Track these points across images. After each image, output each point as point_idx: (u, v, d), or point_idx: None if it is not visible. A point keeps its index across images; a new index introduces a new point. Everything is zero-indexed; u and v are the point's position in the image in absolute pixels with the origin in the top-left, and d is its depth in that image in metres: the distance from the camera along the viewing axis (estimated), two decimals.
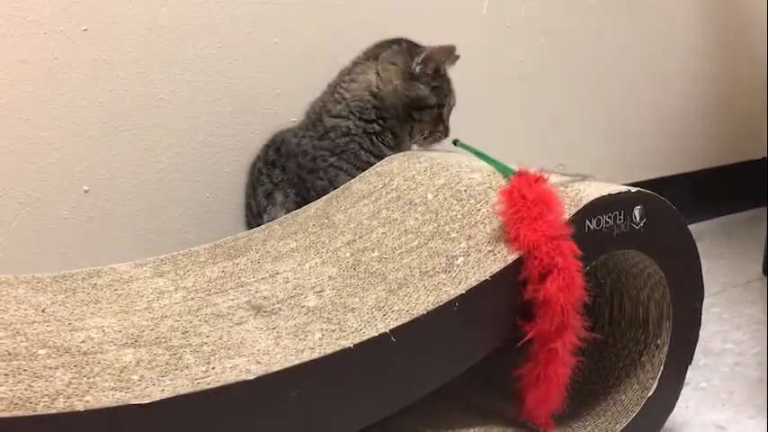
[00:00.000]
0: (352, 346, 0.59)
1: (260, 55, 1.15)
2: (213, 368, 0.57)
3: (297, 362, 0.57)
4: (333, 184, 0.97)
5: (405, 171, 0.92)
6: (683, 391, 0.89)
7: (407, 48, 1.02)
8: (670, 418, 0.89)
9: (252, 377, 0.54)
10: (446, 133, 1.04)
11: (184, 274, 0.77)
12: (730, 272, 1.45)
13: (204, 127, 1.12)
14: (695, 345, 0.88)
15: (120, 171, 1.05)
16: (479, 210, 0.78)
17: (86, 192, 1.03)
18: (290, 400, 0.57)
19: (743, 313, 1.28)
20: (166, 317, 0.67)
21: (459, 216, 0.79)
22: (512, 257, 0.69)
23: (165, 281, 0.75)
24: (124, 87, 1.04)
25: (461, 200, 0.81)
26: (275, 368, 0.56)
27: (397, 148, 1.02)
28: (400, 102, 1.00)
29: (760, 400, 0.99)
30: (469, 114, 1.36)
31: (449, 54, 1.02)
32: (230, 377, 0.55)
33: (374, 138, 1.01)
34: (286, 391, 0.56)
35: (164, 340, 0.62)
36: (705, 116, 1.76)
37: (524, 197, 0.71)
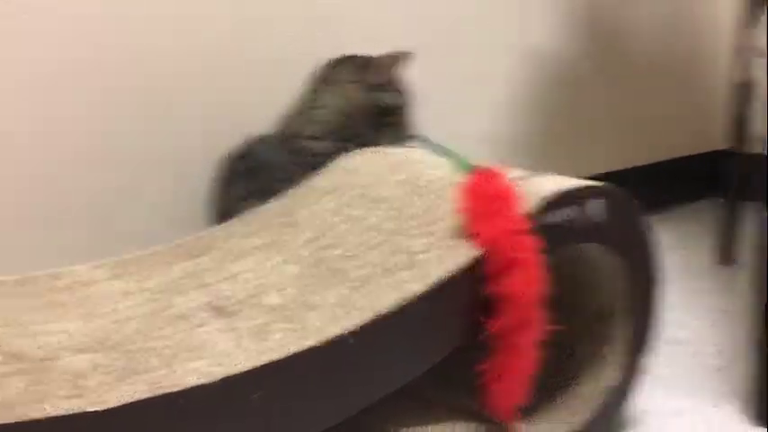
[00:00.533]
0: (314, 345, 0.59)
1: (220, 52, 1.14)
2: (174, 371, 0.56)
3: (258, 363, 0.57)
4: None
5: (368, 167, 0.91)
6: (642, 380, 0.91)
7: (360, 63, 1.06)
8: (631, 405, 0.90)
9: (212, 380, 0.54)
10: (410, 132, 1.06)
11: (148, 274, 0.75)
12: (686, 261, 1.48)
13: (167, 126, 1.10)
14: (654, 335, 0.90)
15: (76, 170, 1.03)
16: (440, 206, 0.78)
17: (41, 190, 1.01)
18: (252, 402, 0.56)
19: (699, 302, 1.31)
20: (131, 319, 0.66)
21: (420, 212, 0.79)
22: (473, 253, 0.69)
23: (127, 282, 0.74)
24: (78, 78, 1.02)
25: (422, 195, 0.81)
26: (236, 370, 0.55)
27: None
28: (371, 114, 1.04)
29: (718, 387, 1.02)
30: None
31: (397, 59, 1.05)
32: (190, 380, 0.54)
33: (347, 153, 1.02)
34: (247, 393, 0.56)
35: (124, 344, 0.61)
36: (660, 110, 1.79)
37: (483, 193, 0.71)
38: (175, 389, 0.53)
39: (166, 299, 0.69)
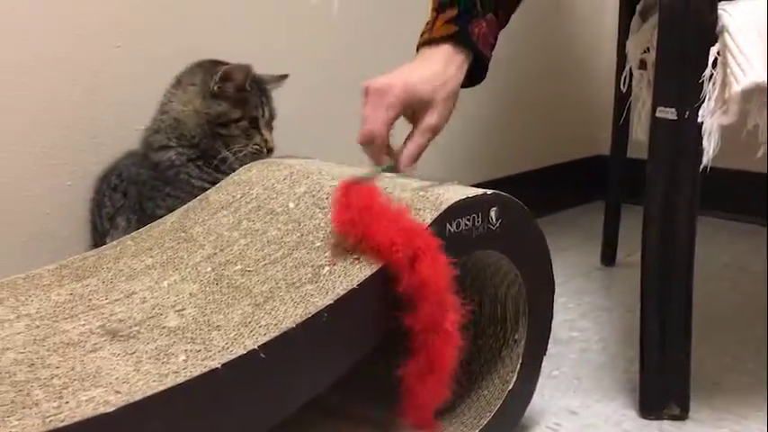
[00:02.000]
0: (219, 365, 0.57)
1: (98, 60, 1.08)
2: (66, 402, 0.52)
3: (160, 388, 0.54)
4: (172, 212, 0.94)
5: (264, 180, 0.89)
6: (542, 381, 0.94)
7: (208, 67, 1.05)
8: (528, 407, 0.93)
9: (111, 409, 0.51)
10: (267, 145, 1.07)
11: (26, 299, 0.70)
12: (572, 263, 1.55)
13: (40, 138, 1.04)
14: (549, 336, 0.93)
15: None
16: None
17: None
18: (156, 430, 0.53)
19: (585, 302, 1.37)
20: (8, 349, 0.61)
21: (322, 224, 0.78)
22: (377, 265, 0.69)
23: (3, 308, 0.69)
24: None
25: (324, 208, 0.80)
26: (137, 397, 0.53)
27: (228, 168, 1.02)
28: (203, 120, 1.03)
29: (606, 384, 1.06)
30: (321, 123, 1.36)
31: (247, 71, 1.04)
32: (87, 411, 0.51)
33: (199, 163, 1.03)
34: (150, 421, 0.53)
35: (7, 375, 0.57)
36: (548, 117, 1.87)
37: (352, 205, 0.70)
38: (71, 421, 0.50)
39: (53, 324, 0.65)
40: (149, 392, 0.53)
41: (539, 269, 0.88)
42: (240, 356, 0.58)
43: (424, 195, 0.77)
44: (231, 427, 0.58)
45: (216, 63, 1.06)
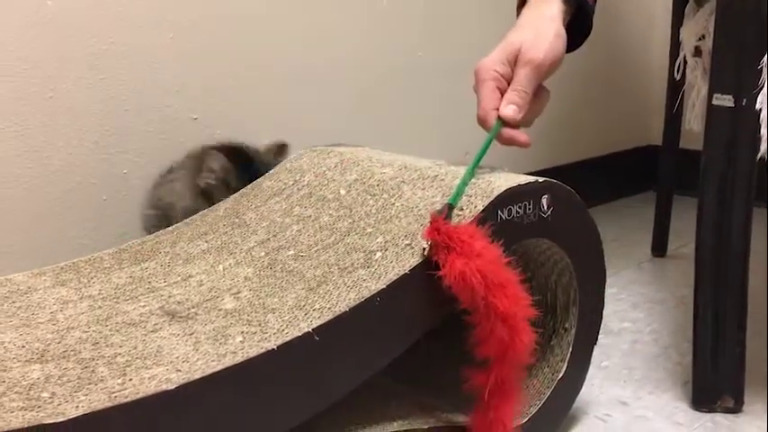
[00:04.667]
0: (275, 347, 0.58)
1: (154, 51, 1.11)
2: (130, 380, 0.54)
3: (219, 367, 0.55)
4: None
5: (315, 167, 0.91)
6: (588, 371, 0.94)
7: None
8: (578, 396, 0.93)
9: (172, 386, 0.52)
10: None
11: (88, 281, 0.73)
12: (623, 254, 1.53)
13: (98, 127, 1.07)
14: (599, 326, 0.92)
15: (7, 174, 0.99)
16: (393, 204, 0.79)
17: None
18: (214, 408, 0.55)
19: (637, 292, 1.35)
20: (73, 328, 0.64)
21: (373, 211, 0.79)
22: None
23: (67, 290, 0.71)
24: (8, 85, 0.98)
25: (374, 195, 0.81)
26: (197, 375, 0.54)
27: None
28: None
29: (657, 375, 1.05)
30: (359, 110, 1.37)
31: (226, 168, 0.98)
32: (149, 388, 0.53)
33: None
34: (209, 399, 0.55)
35: (73, 353, 0.59)
36: (600, 107, 1.84)
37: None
38: (135, 397, 0.51)
39: (114, 305, 0.67)
40: (208, 371, 0.55)
41: (590, 258, 0.87)
42: (295, 338, 0.60)
43: (475, 182, 0.77)
44: (285, 407, 0.60)
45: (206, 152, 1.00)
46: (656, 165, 1.51)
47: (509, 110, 0.81)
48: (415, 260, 0.69)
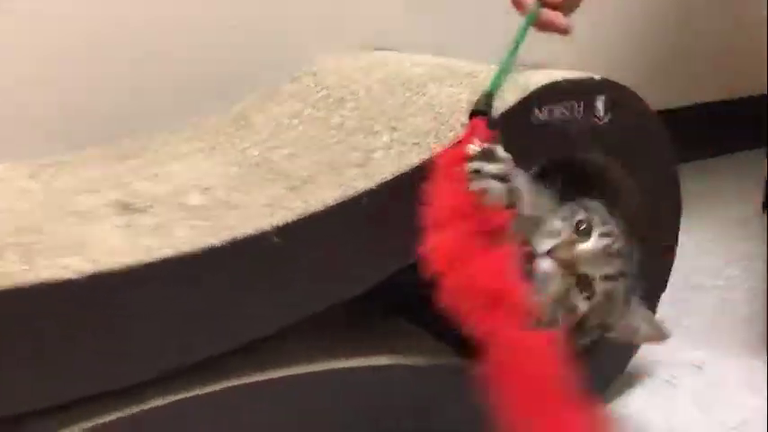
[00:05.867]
0: (219, 244, 0.48)
1: None
2: (40, 266, 0.45)
3: (145, 261, 0.45)
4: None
5: (341, 69, 0.79)
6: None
7: None
8: (645, 354, 0.78)
9: (76, 276, 0.43)
10: None
11: (59, 176, 0.65)
12: (728, 207, 1.32)
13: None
14: (669, 271, 0.76)
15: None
16: (414, 102, 0.66)
17: None
18: (133, 306, 0.45)
19: (738, 249, 1.16)
20: (16, 217, 0.56)
21: (389, 109, 0.66)
22: (438, 149, 0.57)
23: (36, 182, 0.63)
24: None
25: (395, 93, 0.69)
26: (114, 266, 0.44)
27: None
28: None
29: (742, 339, 0.88)
30: None
31: None
32: (54, 274, 0.43)
33: None
34: (125, 296, 0.45)
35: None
36: (717, 46, 1.60)
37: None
38: (32, 282, 0.42)
39: (67, 197, 0.58)
40: (130, 264, 0.45)
41: (661, 182, 0.71)
42: (248, 237, 0.49)
43: (513, 77, 0.63)
44: (233, 317, 0.49)
45: None
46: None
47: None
48: (417, 159, 0.56)
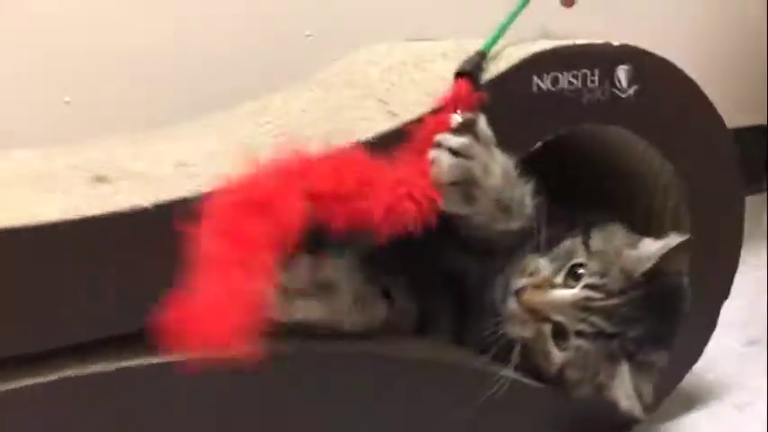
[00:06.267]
0: (148, 206, 0.45)
1: None
2: None
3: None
4: None
5: (367, 55, 0.76)
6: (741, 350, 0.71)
7: None
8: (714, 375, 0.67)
9: None
10: None
11: (61, 155, 0.65)
12: None
13: None
14: (733, 273, 0.65)
15: None
16: (414, 78, 0.62)
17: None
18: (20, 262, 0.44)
19: None
20: None
21: (390, 86, 0.62)
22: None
23: (42, 160, 0.64)
24: None
25: (401, 73, 0.64)
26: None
27: None
28: None
29: None
30: None
31: None
32: None
33: None
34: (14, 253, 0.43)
35: None
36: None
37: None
38: None
39: (54, 171, 0.58)
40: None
41: (713, 172, 0.61)
42: (177, 200, 0.46)
43: (519, 46, 0.57)
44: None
45: None
46: None
47: None
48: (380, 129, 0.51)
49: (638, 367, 0.55)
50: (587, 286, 0.54)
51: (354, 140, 0.51)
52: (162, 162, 0.57)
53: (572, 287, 0.54)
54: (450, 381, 0.56)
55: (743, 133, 1.22)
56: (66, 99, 0.89)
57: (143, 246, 0.45)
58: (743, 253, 0.98)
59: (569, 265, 0.55)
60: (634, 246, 0.56)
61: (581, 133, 0.58)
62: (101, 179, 0.55)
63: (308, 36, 1.02)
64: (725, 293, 0.65)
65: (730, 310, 0.83)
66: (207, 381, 0.45)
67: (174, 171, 0.54)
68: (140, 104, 0.91)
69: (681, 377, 0.66)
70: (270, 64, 0.95)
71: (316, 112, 0.63)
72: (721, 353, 0.76)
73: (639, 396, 0.54)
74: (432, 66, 0.62)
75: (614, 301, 0.54)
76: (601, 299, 0.54)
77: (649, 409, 0.56)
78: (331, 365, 0.51)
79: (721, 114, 0.61)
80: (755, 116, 1.35)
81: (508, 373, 0.54)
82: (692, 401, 0.69)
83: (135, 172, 0.55)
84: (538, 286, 0.55)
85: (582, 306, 0.54)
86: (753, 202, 1.07)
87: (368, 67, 0.70)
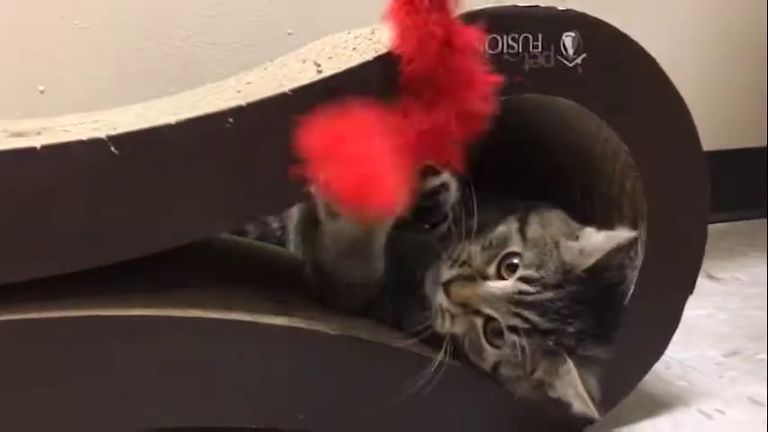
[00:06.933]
0: (38, 147, 0.44)
1: None
2: None
3: None
4: None
5: (336, 39, 0.75)
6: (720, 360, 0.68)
7: None
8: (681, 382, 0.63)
9: None
10: None
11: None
12: None
13: None
14: (698, 265, 0.61)
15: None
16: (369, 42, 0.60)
17: None
18: None
19: None
20: None
21: (342, 52, 0.60)
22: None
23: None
24: None
25: (359, 42, 0.62)
26: None
27: None
28: None
29: None
30: None
31: None
32: None
33: None
34: None
35: None
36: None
37: None
38: None
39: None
40: None
41: (674, 155, 0.58)
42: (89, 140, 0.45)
43: None
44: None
45: None
46: None
47: None
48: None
49: (580, 363, 0.51)
50: (521, 279, 0.51)
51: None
52: (89, 126, 0.57)
53: (505, 279, 0.51)
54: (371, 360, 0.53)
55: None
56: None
57: None
58: (734, 271, 0.95)
59: (503, 254, 0.52)
60: (573, 236, 0.53)
61: (538, 106, 0.56)
62: (18, 135, 0.55)
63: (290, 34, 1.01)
64: (689, 288, 0.61)
65: (715, 322, 0.79)
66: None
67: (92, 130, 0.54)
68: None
69: (643, 373, 0.62)
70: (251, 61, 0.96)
71: (259, 81, 0.62)
72: (698, 362, 0.72)
73: (588, 392, 0.51)
74: (382, 36, 0.60)
75: (549, 294, 0.51)
76: (536, 293, 0.50)
77: (602, 406, 0.52)
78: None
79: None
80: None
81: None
82: (657, 407, 0.64)
83: (56, 131, 0.55)
84: (468, 278, 0.52)
85: (515, 300, 0.51)
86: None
87: (337, 42, 0.69)
